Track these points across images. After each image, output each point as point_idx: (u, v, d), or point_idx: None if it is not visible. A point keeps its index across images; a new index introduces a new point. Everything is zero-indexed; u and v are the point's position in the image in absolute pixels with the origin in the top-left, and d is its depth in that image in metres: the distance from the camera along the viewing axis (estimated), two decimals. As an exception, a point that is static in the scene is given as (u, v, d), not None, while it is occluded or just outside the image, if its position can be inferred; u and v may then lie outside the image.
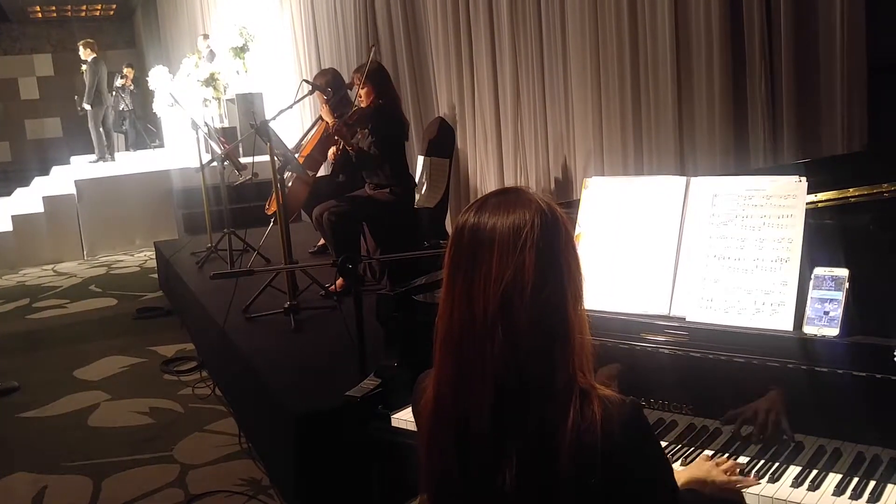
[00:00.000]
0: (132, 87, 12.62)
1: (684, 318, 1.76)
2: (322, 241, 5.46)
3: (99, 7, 18.06)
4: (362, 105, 4.57)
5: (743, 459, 1.62)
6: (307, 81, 5.09)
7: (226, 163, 5.66)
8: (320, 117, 4.81)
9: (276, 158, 4.13)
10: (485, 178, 5.25)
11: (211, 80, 9.86)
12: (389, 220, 4.57)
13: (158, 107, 10.96)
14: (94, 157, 10.64)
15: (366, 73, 4.51)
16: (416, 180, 4.86)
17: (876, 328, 1.56)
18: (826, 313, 1.59)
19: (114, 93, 11.94)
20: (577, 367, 1.17)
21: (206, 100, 9.97)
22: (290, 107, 4.54)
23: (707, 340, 1.68)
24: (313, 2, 7.91)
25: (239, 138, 7.43)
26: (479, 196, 1.37)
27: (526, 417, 1.15)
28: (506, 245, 1.15)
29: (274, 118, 4.26)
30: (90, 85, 10.09)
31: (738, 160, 3.26)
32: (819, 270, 1.63)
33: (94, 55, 10.17)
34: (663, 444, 1.69)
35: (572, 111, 4.27)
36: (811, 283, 1.63)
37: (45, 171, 11.64)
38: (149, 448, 3.58)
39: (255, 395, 3.46)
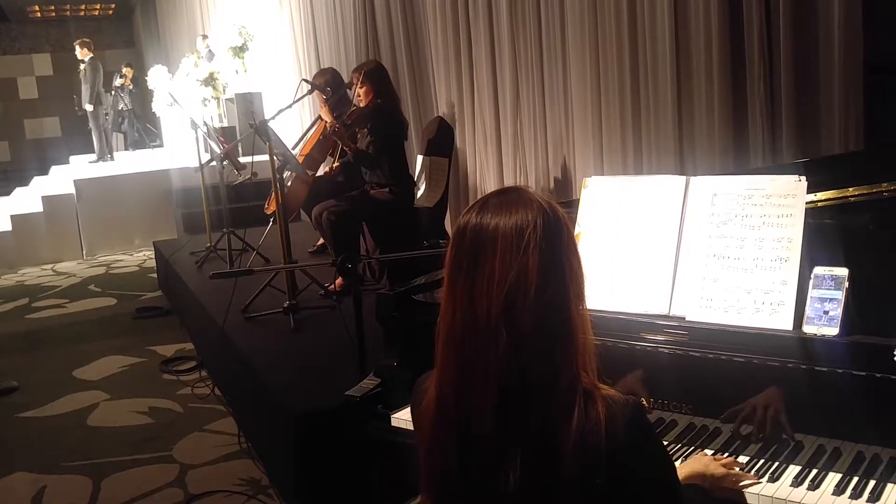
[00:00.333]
0: (131, 87, 12.61)
1: (684, 318, 1.76)
2: (321, 241, 5.46)
3: (98, 7, 18.05)
4: (361, 105, 4.57)
5: (743, 459, 1.62)
6: (306, 81, 5.09)
7: (225, 162, 5.66)
8: (319, 117, 4.81)
9: (275, 158, 4.12)
10: (484, 177, 5.25)
11: (210, 80, 9.85)
12: (389, 219, 4.57)
13: (157, 106, 10.96)
14: (93, 156, 10.63)
15: (364, 73, 4.50)
16: (416, 180, 4.86)
17: (875, 328, 1.56)
18: (826, 313, 1.59)
19: (113, 92, 11.92)
20: (581, 366, 1.17)
21: (205, 99, 9.97)
22: (290, 106, 4.53)
23: (707, 340, 1.68)
24: (312, 1, 7.91)
25: (238, 138, 7.43)
26: (479, 195, 1.36)
27: (529, 418, 1.15)
28: (509, 245, 1.15)
29: (273, 118, 4.26)
30: (91, 85, 10.08)
31: (738, 160, 3.26)
32: (819, 270, 1.63)
33: (91, 55, 10.16)
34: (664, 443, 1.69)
35: (572, 110, 4.27)
36: (811, 282, 1.63)
37: (44, 171, 11.64)
38: (148, 448, 3.58)
39: (255, 394, 3.46)
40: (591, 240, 1.93)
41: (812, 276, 1.63)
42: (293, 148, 4.80)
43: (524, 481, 1.14)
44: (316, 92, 4.89)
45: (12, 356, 5.19)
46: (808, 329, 1.61)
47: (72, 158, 11.88)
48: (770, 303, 1.67)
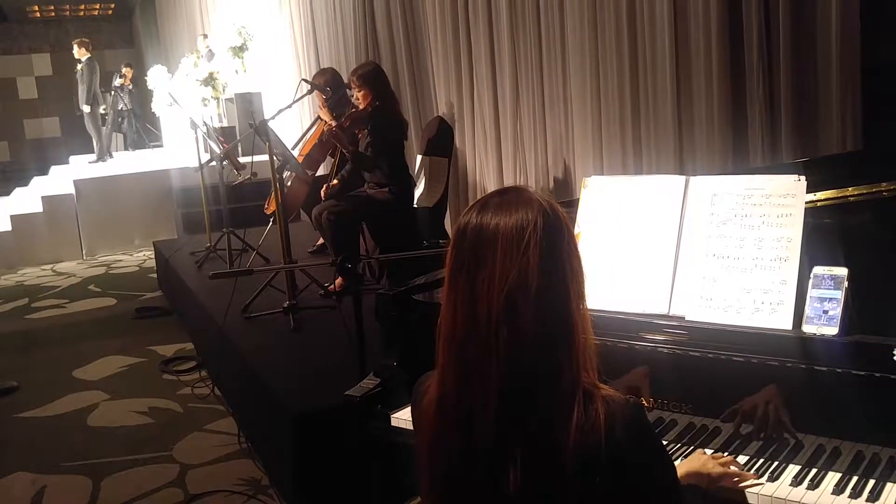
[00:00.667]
0: (131, 87, 12.60)
1: (683, 318, 1.76)
2: (321, 241, 5.46)
3: (97, 6, 18.05)
4: (360, 107, 4.57)
5: (742, 458, 1.62)
6: (306, 81, 5.09)
7: (225, 162, 5.66)
8: (319, 117, 4.81)
9: (274, 158, 4.13)
10: (484, 177, 5.25)
11: (210, 80, 9.85)
12: (388, 219, 4.57)
13: (157, 106, 10.96)
14: (93, 157, 10.63)
15: (361, 76, 4.49)
16: (416, 180, 4.87)
17: (875, 327, 1.56)
18: (825, 312, 1.60)
19: (112, 92, 11.92)
20: (581, 366, 1.17)
21: (204, 99, 9.96)
22: (289, 106, 4.54)
23: (706, 339, 1.68)
24: (312, 1, 7.91)
25: (238, 138, 7.42)
26: (479, 195, 1.37)
27: (530, 418, 1.15)
28: (509, 245, 1.15)
29: (273, 118, 4.26)
30: (88, 86, 10.08)
31: (737, 159, 3.26)
32: (818, 269, 1.63)
33: (89, 55, 10.15)
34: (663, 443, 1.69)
35: (572, 110, 4.28)
36: (810, 282, 1.63)
37: (43, 171, 11.63)
38: (148, 448, 3.58)
39: (255, 394, 3.46)
40: (590, 239, 1.93)
41: (811, 275, 1.63)
42: (293, 148, 4.80)
43: (525, 481, 1.14)
44: (316, 92, 4.89)
45: (12, 356, 5.19)
46: (807, 329, 1.61)
47: (71, 158, 11.87)
48: (769, 302, 1.67)
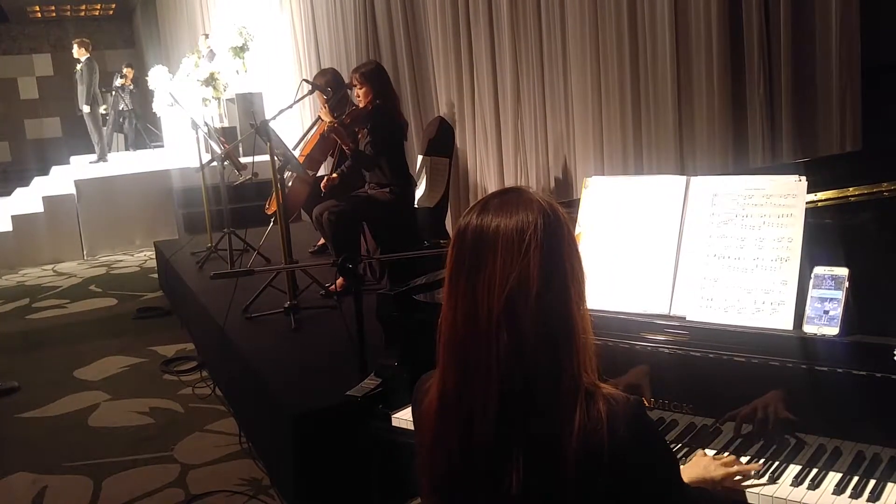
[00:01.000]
0: (132, 87, 12.60)
1: (684, 318, 1.76)
2: (322, 241, 5.46)
3: (98, 6, 18.05)
4: (360, 105, 4.58)
5: (743, 459, 1.62)
6: (307, 81, 5.09)
7: (226, 162, 5.66)
8: (320, 117, 4.81)
9: (275, 158, 4.13)
10: (485, 177, 5.25)
11: (210, 80, 9.85)
12: (389, 219, 4.57)
13: (158, 106, 10.95)
14: (94, 157, 10.63)
15: (363, 74, 4.50)
16: (416, 180, 4.87)
17: (875, 327, 1.56)
18: (826, 312, 1.60)
19: (113, 93, 11.92)
20: (582, 366, 1.17)
21: (205, 99, 9.96)
22: (290, 106, 4.54)
23: (707, 340, 1.68)
24: (313, 1, 7.91)
25: (239, 138, 7.42)
26: (480, 195, 1.37)
27: (531, 418, 1.15)
28: (510, 246, 1.15)
29: (274, 118, 4.26)
30: (87, 86, 10.08)
31: (737, 159, 3.27)
32: (819, 269, 1.63)
33: (88, 55, 10.15)
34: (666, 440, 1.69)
35: (572, 110, 4.28)
36: (811, 282, 1.63)
37: (44, 171, 11.63)
38: (149, 448, 3.58)
39: (256, 394, 3.46)
40: (591, 240, 1.93)
41: (812, 275, 1.64)
42: (294, 148, 4.80)
43: (527, 481, 1.14)
44: (316, 92, 4.89)
45: (13, 356, 5.20)
46: (808, 329, 1.61)
47: (72, 159, 11.87)
48: (770, 302, 1.67)
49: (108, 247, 8.85)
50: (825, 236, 1.76)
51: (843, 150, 2.86)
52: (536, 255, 1.15)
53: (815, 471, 1.54)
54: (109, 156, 10.84)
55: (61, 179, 9.76)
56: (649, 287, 1.83)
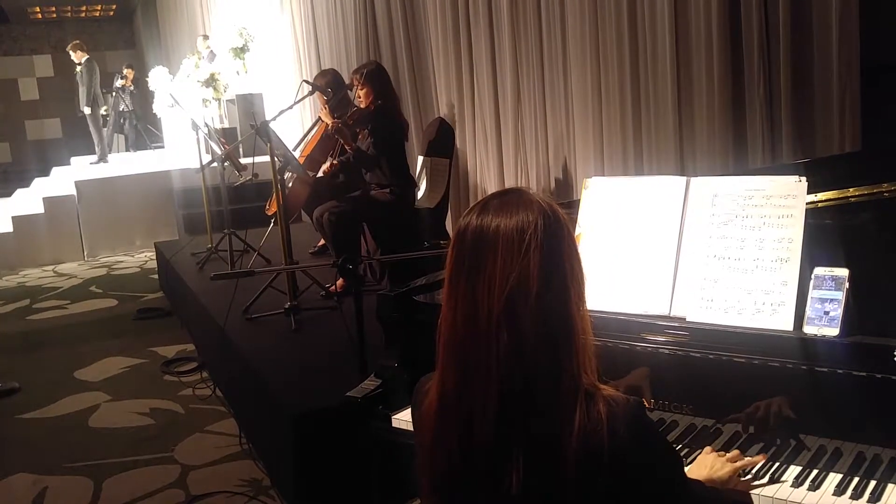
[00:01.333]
0: (132, 88, 12.60)
1: (684, 319, 1.76)
2: (322, 242, 5.46)
3: (99, 7, 18.06)
4: (361, 106, 4.58)
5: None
6: (307, 82, 5.09)
7: (226, 163, 5.66)
8: (320, 118, 4.82)
9: (276, 159, 4.13)
10: (485, 178, 5.26)
11: (211, 81, 9.85)
12: (389, 220, 4.57)
13: (158, 107, 10.95)
14: (94, 157, 10.64)
15: (364, 74, 4.51)
16: (416, 180, 4.87)
17: (876, 328, 1.56)
18: (826, 313, 1.59)
19: (114, 93, 11.92)
20: (582, 367, 1.17)
21: (206, 100, 9.96)
22: (291, 107, 4.54)
23: (707, 340, 1.68)
24: (313, 2, 7.91)
25: (239, 139, 7.43)
26: (480, 196, 1.37)
27: (531, 419, 1.15)
28: (510, 247, 1.15)
29: (274, 119, 4.26)
30: (88, 87, 10.08)
31: (737, 160, 3.27)
32: (819, 270, 1.63)
33: (87, 56, 10.15)
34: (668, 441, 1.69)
35: (572, 111, 4.28)
36: (811, 282, 1.63)
37: (45, 172, 11.63)
38: (149, 449, 3.58)
39: (256, 395, 3.46)
40: (591, 240, 1.93)
41: (812, 276, 1.63)
42: (294, 149, 4.80)
43: (527, 482, 1.14)
44: (317, 93, 4.89)
45: (13, 357, 5.20)
46: (808, 330, 1.61)
47: (73, 160, 11.88)
48: (770, 303, 1.67)
49: (108, 247, 8.85)
50: (825, 237, 1.76)
51: (843, 150, 2.86)
52: (536, 256, 1.15)
53: (815, 472, 1.54)
54: (110, 157, 10.85)
55: (62, 180, 9.76)
56: (649, 288, 1.83)
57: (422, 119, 5.95)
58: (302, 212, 5.35)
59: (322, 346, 3.68)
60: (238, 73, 9.62)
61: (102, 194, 8.75)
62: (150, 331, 5.56)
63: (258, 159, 4.90)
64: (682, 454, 1.69)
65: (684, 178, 1.88)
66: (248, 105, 9.25)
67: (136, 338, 5.39)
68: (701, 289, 1.76)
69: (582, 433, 1.12)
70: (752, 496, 1.51)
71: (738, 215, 1.77)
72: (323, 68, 6.56)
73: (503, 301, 1.14)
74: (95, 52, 10.52)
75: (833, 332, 1.58)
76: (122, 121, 12.42)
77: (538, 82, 4.53)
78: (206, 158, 6.12)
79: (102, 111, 10.69)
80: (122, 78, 12.31)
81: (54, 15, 17.90)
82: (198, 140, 6.16)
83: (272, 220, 5.01)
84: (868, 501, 1.44)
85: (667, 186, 1.89)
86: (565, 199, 4.25)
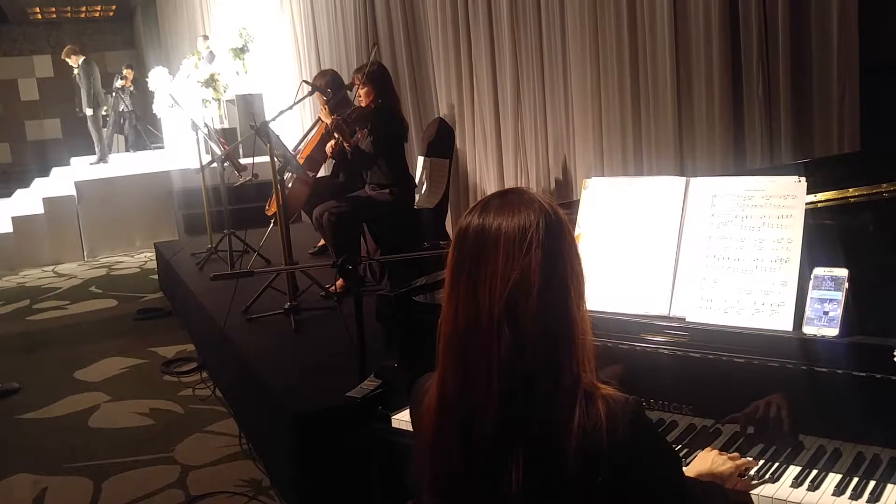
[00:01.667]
0: (132, 88, 12.61)
1: (684, 319, 1.76)
2: (322, 242, 5.46)
3: (98, 8, 18.05)
4: (362, 105, 4.58)
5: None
6: (307, 82, 5.09)
7: (226, 164, 5.66)
8: (320, 118, 4.82)
9: (275, 159, 4.13)
10: (485, 178, 5.26)
11: (211, 81, 9.86)
12: (389, 220, 4.57)
13: (158, 108, 10.96)
14: (94, 158, 10.64)
15: (366, 74, 4.51)
16: (416, 181, 4.87)
17: (875, 328, 1.56)
18: (826, 313, 1.59)
19: (114, 94, 11.92)
20: (581, 366, 1.17)
21: (205, 101, 9.97)
22: (290, 108, 4.54)
23: (707, 341, 1.68)
24: (313, 2, 7.92)
25: (239, 139, 7.43)
26: (479, 196, 1.37)
27: (531, 418, 1.15)
28: (512, 246, 1.16)
29: (274, 119, 4.26)
30: (87, 88, 10.08)
31: (737, 160, 3.27)
32: (818, 270, 1.63)
33: (83, 58, 10.15)
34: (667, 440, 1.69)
35: (572, 112, 4.28)
36: (811, 283, 1.63)
37: (45, 173, 11.64)
38: (149, 449, 3.58)
39: (256, 395, 3.46)
40: (591, 241, 1.93)
41: (812, 276, 1.63)
42: (294, 149, 4.81)
43: (527, 481, 1.15)
44: (316, 93, 4.89)
45: (13, 358, 5.20)
46: (808, 330, 1.61)
47: (73, 160, 11.88)
48: (770, 304, 1.67)
49: (108, 248, 8.85)
50: (825, 237, 1.76)
51: (843, 150, 2.86)
52: (538, 255, 1.15)
53: (815, 472, 1.54)
54: (110, 157, 10.85)
55: (62, 181, 9.76)
56: (649, 288, 1.83)
57: (421, 119, 5.95)
58: (302, 212, 5.35)
59: (322, 346, 3.68)
60: (238, 73, 9.63)
61: (102, 195, 8.75)
62: (149, 331, 5.56)
63: (258, 160, 4.90)
64: (681, 454, 1.69)
65: (684, 179, 1.88)
66: (248, 105, 9.25)
67: (135, 338, 5.39)
68: (700, 289, 1.77)
69: (581, 432, 1.12)
70: (752, 496, 1.52)
71: (737, 215, 1.77)
72: (323, 68, 6.57)
73: (504, 299, 1.15)
74: (95, 52, 10.54)
75: (832, 332, 1.58)
76: (121, 121, 12.43)
77: (538, 82, 4.53)
78: (206, 159, 6.12)
79: (102, 112, 10.69)
80: (121, 78, 12.32)
81: (54, 15, 17.90)
82: (198, 140, 6.16)
83: (272, 221, 5.01)
84: (867, 502, 1.44)
85: (666, 187, 1.89)
86: (565, 199, 4.25)
